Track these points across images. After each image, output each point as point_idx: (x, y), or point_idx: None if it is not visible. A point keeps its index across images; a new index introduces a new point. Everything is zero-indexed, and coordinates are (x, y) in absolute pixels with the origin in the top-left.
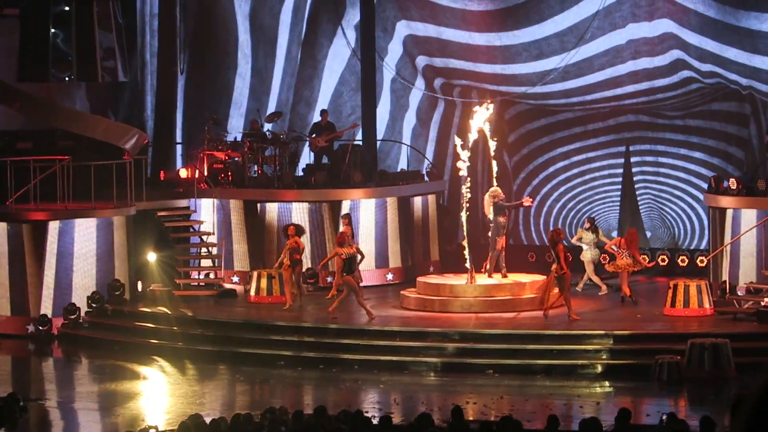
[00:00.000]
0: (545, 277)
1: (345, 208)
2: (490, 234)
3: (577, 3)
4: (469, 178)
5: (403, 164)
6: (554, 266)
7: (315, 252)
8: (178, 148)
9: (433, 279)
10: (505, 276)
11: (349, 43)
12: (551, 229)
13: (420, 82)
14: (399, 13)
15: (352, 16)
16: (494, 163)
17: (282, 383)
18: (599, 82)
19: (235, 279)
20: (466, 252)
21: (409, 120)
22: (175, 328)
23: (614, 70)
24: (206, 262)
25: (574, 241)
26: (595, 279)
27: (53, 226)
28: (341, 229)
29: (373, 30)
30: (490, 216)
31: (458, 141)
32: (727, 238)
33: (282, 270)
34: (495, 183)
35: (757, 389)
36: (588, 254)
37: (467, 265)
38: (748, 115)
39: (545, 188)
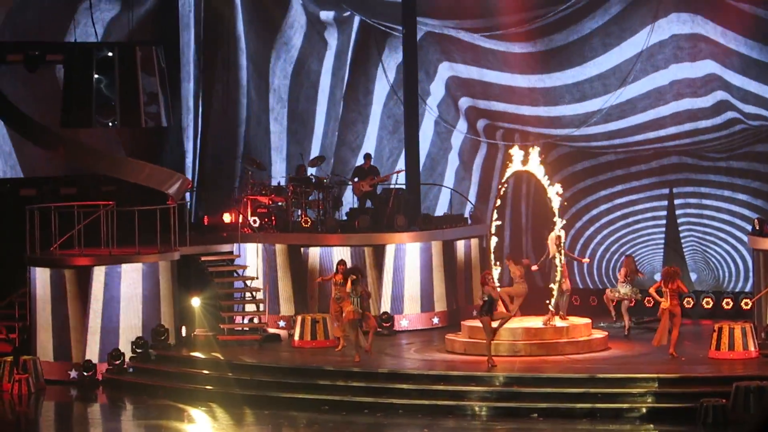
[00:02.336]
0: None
1: (389, 251)
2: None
3: (619, 44)
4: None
5: (444, 206)
6: (669, 303)
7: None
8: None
9: (475, 323)
10: (564, 319)
11: (391, 84)
12: (667, 266)
13: (462, 124)
14: (442, 55)
15: (394, 58)
16: (555, 204)
17: (326, 428)
18: (642, 124)
19: (281, 324)
20: (555, 291)
21: (452, 161)
22: (230, 374)
23: (657, 112)
24: (250, 307)
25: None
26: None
27: (97, 272)
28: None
29: (416, 73)
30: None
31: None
32: None
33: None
34: (559, 224)
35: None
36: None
37: (550, 306)
38: None
39: (588, 231)
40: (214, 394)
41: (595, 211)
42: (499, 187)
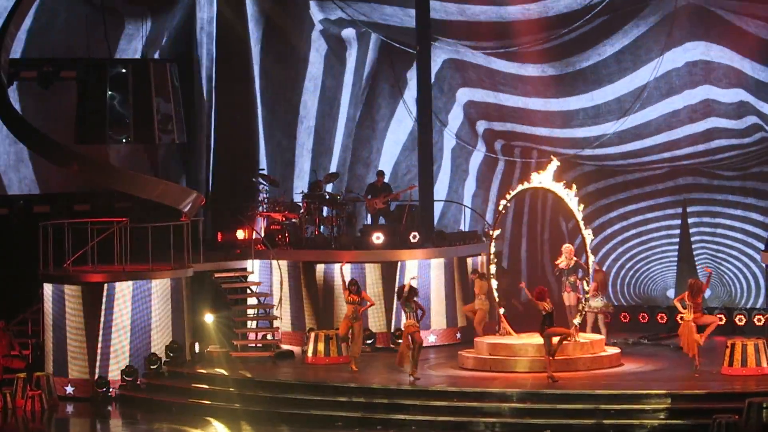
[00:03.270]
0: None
1: (409, 268)
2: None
3: (635, 70)
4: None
5: (461, 226)
6: (693, 315)
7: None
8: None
9: (492, 339)
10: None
11: (405, 103)
12: (694, 279)
13: (480, 146)
14: (459, 79)
15: (409, 76)
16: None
17: None
18: (657, 145)
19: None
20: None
21: (469, 186)
22: (232, 389)
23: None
24: (264, 324)
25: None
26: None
27: (111, 288)
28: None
29: (430, 90)
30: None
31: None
32: None
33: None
34: (588, 239)
35: None
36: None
37: (576, 322)
38: None
39: (604, 249)
40: (226, 411)
41: (609, 230)
42: (506, 202)
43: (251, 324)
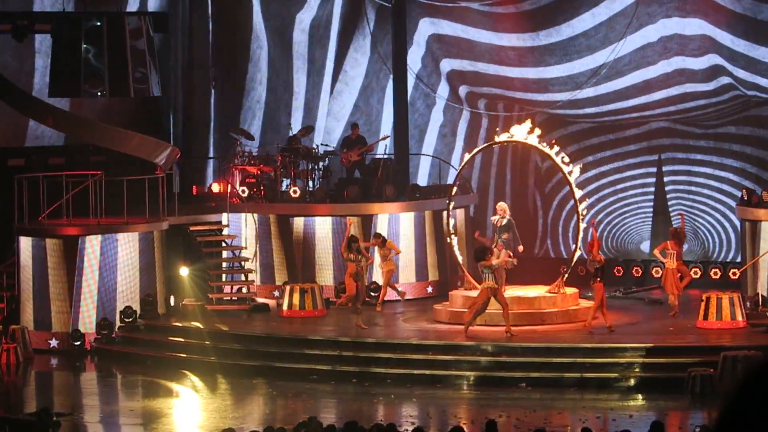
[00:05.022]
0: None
1: (381, 222)
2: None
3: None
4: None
5: (428, 175)
6: (676, 264)
7: (336, 265)
8: (210, 162)
9: (465, 292)
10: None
11: (379, 52)
12: (675, 228)
13: (444, 89)
14: (423, 10)
15: (382, 29)
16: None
17: (315, 398)
18: (632, 86)
19: (276, 293)
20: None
21: (434, 127)
22: (207, 342)
23: (645, 72)
24: (239, 277)
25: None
26: None
27: (86, 242)
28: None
29: (405, 43)
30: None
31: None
32: (761, 251)
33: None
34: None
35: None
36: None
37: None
38: None
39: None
40: (200, 364)
41: (582, 177)
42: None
43: (226, 277)
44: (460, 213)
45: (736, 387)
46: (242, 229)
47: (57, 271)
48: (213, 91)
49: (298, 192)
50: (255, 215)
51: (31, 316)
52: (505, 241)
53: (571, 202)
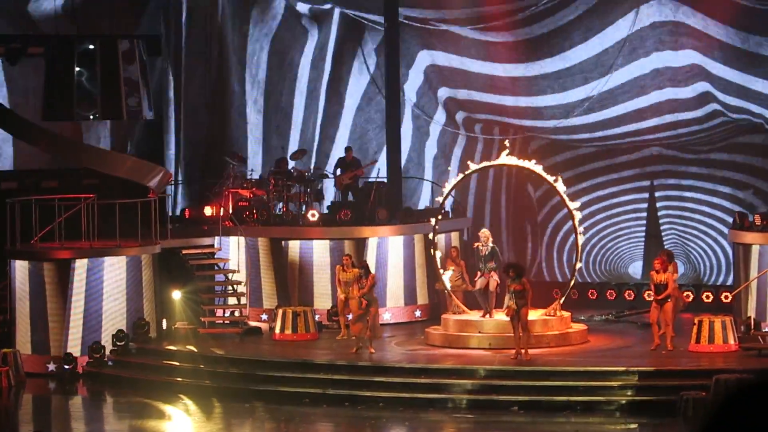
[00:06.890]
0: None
1: (371, 245)
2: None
3: (603, 31)
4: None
5: (427, 200)
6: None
7: (333, 289)
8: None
9: (458, 317)
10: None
11: (372, 74)
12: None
13: (441, 115)
14: (420, 42)
15: (377, 51)
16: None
17: (307, 421)
18: (624, 115)
19: (264, 317)
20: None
21: (430, 148)
22: (201, 366)
23: (637, 102)
24: (232, 300)
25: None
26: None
27: (78, 265)
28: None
29: (398, 66)
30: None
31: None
32: (752, 274)
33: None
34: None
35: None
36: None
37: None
38: None
39: (569, 223)
40: (192, 387)
41: (576, 203)
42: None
43: (219, 301)
44: (454, 235)
45: (713, 408)
46: (235, 252)
47: (52, 295)
48: (206, 113)
49: (317, 215)
50: (246, 238)
51: (27, 339)
52: (492, 268)
53: (566, 225)
